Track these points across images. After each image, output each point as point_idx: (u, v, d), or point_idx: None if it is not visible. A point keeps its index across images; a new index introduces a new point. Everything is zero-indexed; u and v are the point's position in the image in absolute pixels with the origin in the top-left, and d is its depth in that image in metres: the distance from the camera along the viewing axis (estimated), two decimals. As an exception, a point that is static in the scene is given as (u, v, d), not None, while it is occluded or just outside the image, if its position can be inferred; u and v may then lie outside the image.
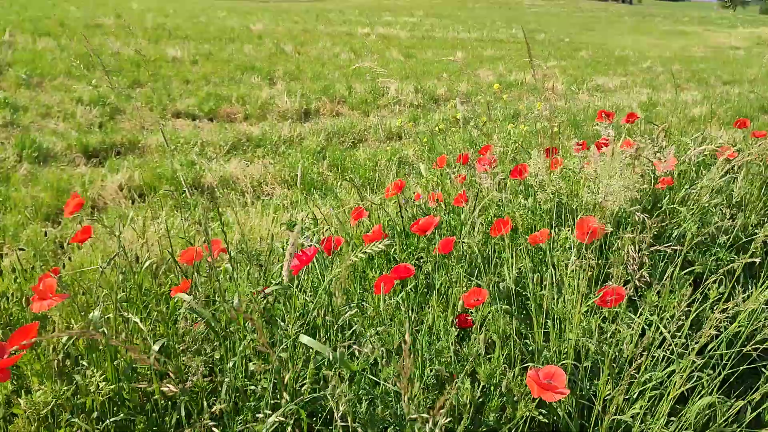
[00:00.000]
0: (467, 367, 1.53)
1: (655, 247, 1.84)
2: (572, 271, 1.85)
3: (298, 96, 9.65)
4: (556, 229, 2.22)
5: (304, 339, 1.35)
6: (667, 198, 2.66)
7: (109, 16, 16.69)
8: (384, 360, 1.47)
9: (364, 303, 1.76)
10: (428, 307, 1.79)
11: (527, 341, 1.80)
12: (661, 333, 1.78)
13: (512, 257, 2.03)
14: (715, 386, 1.59)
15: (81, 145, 6.28)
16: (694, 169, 2.87)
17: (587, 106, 11.46)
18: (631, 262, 1.80)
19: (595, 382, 1.64)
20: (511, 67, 16.18)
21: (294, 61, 13.05)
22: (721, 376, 1.58)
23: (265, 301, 1.64)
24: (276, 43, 15.11)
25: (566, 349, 1.76)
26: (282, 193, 5.60)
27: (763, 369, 1.60)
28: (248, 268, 1.93)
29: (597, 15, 56.96)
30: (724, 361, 1.65)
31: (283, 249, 2.04)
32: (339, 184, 6.10)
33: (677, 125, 10.39)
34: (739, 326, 1.65)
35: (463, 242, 2.04)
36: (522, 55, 19.46)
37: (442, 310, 1.70)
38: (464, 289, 1.92)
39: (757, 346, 1.65)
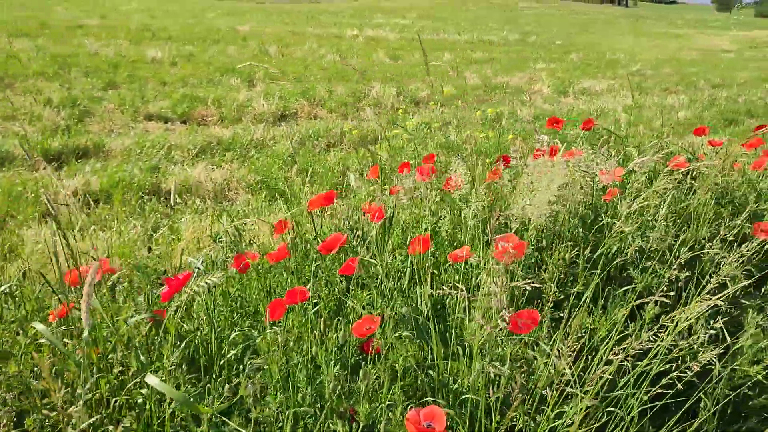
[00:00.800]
0: (348, 403, 1.39)
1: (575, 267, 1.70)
2: (484, 294, 1.71)
3: (276, 98, 9.51)
4: (482, 247, 2.08)
5: (151, 380, 1.20)
6: (609, 211, 2.52)
7: (94, 16, 16.52)
8: (252, 399, 1.32)
9: (254, 331, 1.62)
10: (331, 333, 1.65)
11: (431, 372, 1.65)
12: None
13: (427, 277, 1.89)
14: (624, 425, 1.45)
15: (42, 148, 6.12)
16: (644, 180, 2.73)
17: (571, 109, 11.34)
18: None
19: (497, 418, 1.50)
20: (498, 70, 16.05)
21: (277, 63, 12.90)
22: (631, 415, 1.44)
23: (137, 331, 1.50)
24: (261, 45, 14.96)
25: (478, 380, 1.62)
26: (245, 199, 5.46)
27: (674, 406, 1.47)
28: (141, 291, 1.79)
29: (591, 17, 56.95)
30: (638, 396, 1.50)
31: (195, 266, 1.90)
32: (306, 189, 5.96)
33: (660, 129, 10.29)
34: (648, 364, 1.51)
35: (371, 261, 1.90)
36: (511, 57, 19.37)
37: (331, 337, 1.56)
38: (378, 312, 1.79)
39: (678, 377, 1.50)
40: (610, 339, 1.61)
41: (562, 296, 2.14)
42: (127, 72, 10.19)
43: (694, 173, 3.12)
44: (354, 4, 65.96)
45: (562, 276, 2.12)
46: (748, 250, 2.08)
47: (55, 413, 1.24)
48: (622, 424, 1.45)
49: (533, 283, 1.43)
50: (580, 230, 2.37)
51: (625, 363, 1.43)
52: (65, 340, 1.47)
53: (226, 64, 11.92)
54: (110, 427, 1.27)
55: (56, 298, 1.81)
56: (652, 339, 1.48)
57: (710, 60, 26.39)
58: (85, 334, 1.21)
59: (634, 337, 1.49)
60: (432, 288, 1.94)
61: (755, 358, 1.96)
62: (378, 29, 24.13)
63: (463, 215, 2.25)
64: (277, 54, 14.10)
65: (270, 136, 7.48)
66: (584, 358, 1.69)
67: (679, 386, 1.44)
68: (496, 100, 12.09)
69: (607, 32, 39.48)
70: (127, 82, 9.56)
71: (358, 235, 2.25)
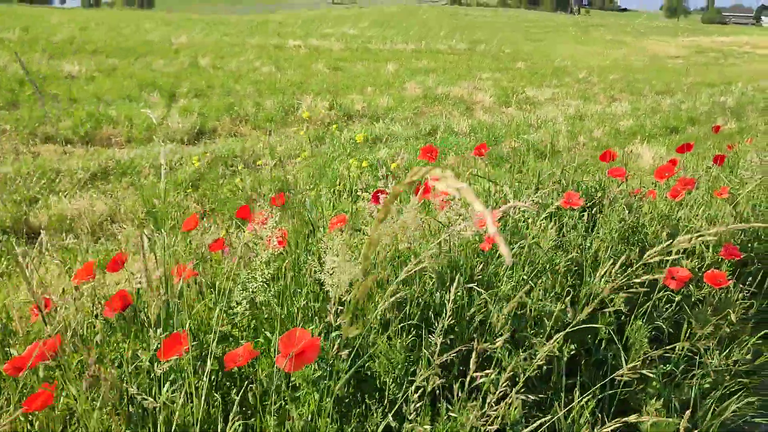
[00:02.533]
0: None
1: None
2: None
3: (195, 115, 8.88)
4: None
5: None
6: (481, 268, 2.01)
7: (14, 29, 15.58)
8: None
9: None
10: None
11: None
12: None
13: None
14: None
15: None
16: (523, 225, 2.24)
17: (511, 120, 10.97)
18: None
19: None
20: (442, 80, 15.66)
21: (206, 76, 12.24)
22: None
23: None
24: (193, 57, 14.27)
25: None
26: (127, 232, 4.83)
27: None
28: None
29: (543, 25, 57.48)
30: None
31: None
32: (207, 218, 5.37)
33: (600, 139, 9.98)
34: None
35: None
36: (457, 66, 19.06)
37: None
38: None
39: None
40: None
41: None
42: (32, 89, 9.43)
43: (602, 204, 2.65)
44: (309, 14, 65.47)
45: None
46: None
47: None
48: None
49: None
50: (437, 295, 1.86)
51: None
52: None
53: (149, 79, 11.22)
54: None
55: None
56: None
57: (657, 66, 26.63)
58: None
59: None
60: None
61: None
62: (323, 39, 23.60)
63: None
64: (208, 66, 13.44)
65: (177, 158, 6.85)
66: None
67: None
68: (435, 112, 11.66)
69: (557, 40, 39.75)
70: (29, 100, 8.80)
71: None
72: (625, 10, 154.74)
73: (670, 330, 2.19)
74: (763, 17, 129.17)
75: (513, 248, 2.09)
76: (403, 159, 7.76)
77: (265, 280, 1.51)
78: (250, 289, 1.50)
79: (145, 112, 8.80)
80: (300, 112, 9.99)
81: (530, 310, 1.90)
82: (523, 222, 2.26)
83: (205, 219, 5.27)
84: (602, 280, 2.20)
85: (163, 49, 15.50)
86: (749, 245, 3.03)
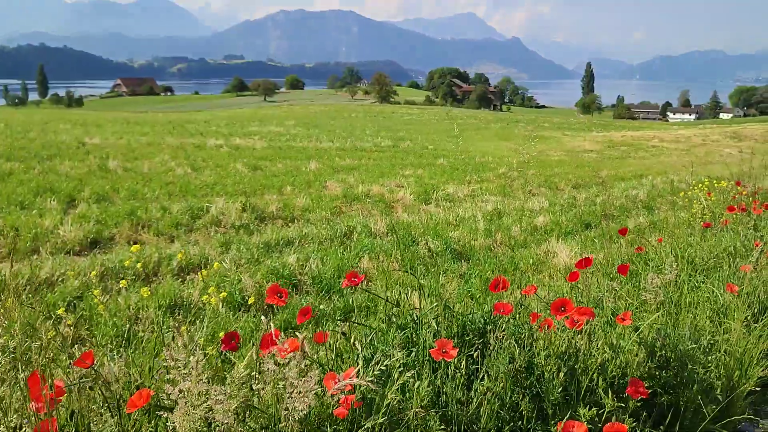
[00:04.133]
0: None
1: None
2: None
3: (92, 222, 8.29)
4: None
5: None
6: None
7: None
8: None
9: None
10: None
11: None
12: None
13: None
14: None
15: None
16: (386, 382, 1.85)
17: (429, 218, 10.84)
18: None
19: None
20: (364, 178, 15.62)
21: (113, 179, 11.69)
22: None
23: None
24: (103, 159, 13.73)
25: None
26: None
27: None
28: None
29: (466, 122, 59.94)
30: None
31: None
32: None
33: (517, 237, 9.92)
34: None
35: None
36: (379, 164, 19.18)
37: None
38: None
39: None
40: None
41: None
42: None
43: (491, 345, 2.31)
44: (237, 112, 66.13)
45: None
46: None
47: None
48: None
49: None
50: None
51: None
52: None
53: (47, 183, 10.58)
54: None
55: None
56: None
57: (574, 160, 27.72)
58: None
59: None
60: None
61: None
62: (247, 138, 23.52)
63: None
64: (118, 168, 12.90)
65: (59, 273, 6.22)
66: None
67: None
68: (354, 212, 11.44)
69: (479, 136, 41.29)
70: None
71: None
72: (543, 107, 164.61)
73: None
74: (668, 113, 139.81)
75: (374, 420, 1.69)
76: (315, 264, 7.38)
77: None
78: None
79: (41, 221, 8.18)
80: (209, 215, 9.54)
81: None
82: (387, 378, 1.87)
83: (75, 347, 4.65)
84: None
85: (72, 151, 14.89)
86: (657, 374, 2.76)
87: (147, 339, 3.59)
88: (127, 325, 4.92)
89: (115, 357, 2.30)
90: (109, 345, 4.72)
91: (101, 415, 1.74)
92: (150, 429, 1.58)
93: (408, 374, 1.86)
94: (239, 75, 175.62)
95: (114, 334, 4.88)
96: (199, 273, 6.90)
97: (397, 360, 1.93)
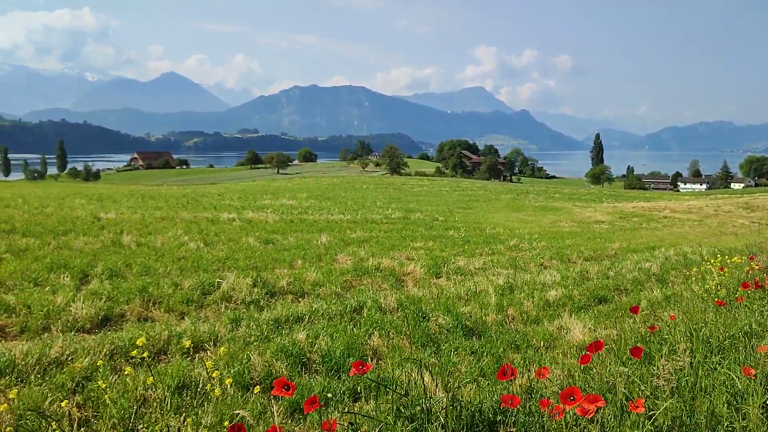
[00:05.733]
0: None
1: None
2: None
3: (103, 299, 8.33)
4: None
5: None
6: None
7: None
8: None
9: None
10: None
11: None
12: None
13: None
14: None
15: None
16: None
17: (440, 293, 10.79)
18: None
19: None
20: (374, 251, 15.66)
21: (126, 255, 11.80)
22: None
23: None
24: (117, 234, 13.90)
25: None
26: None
27: None
28: None
29: (476, 193, 60.42)
30: None
31: None
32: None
33: (530, 312, 9.82)
34: None
35: None
36: (390, 237, 19.25)
37: None
38: None
39: None
40: None
41: None
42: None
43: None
44: (251, 184, 67.18)
45: None
46: None
47: None
48: None
49: None
50: None
51: None
52: None
53: (62, 259, 10.69)
54: None
55: None
56: None
57: (586, 232, 27.69)
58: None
59: None
60: None
61: None
62: (260, 211, 23.80)
63: None
64: (131, 243, 13.03)
65: (67, 352, 6.20)
66: None
67: None
68: (364, 286, 11.42)
69: (489, 207, 41.51)
70: None
71: None
72: (553, 177, 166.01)
73: None
74: (679, 183, 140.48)
75: None
76: (324, 342, 7.31)
77: None
78: None
79: (53, 298, 8.23)
80: (220, 291, 9.55)
81: None
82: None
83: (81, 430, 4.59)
84: None
85: (87, 226, 15.11)
86: (675, 465, 2.67)
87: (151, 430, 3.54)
88: (134, 408, 4.86)
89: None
90: (114, 430, 4.66)
91: None
92: None
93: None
94: (253, 148, 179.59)
95: (121, 416, 4.82)
96: (206, 353, 6.86)
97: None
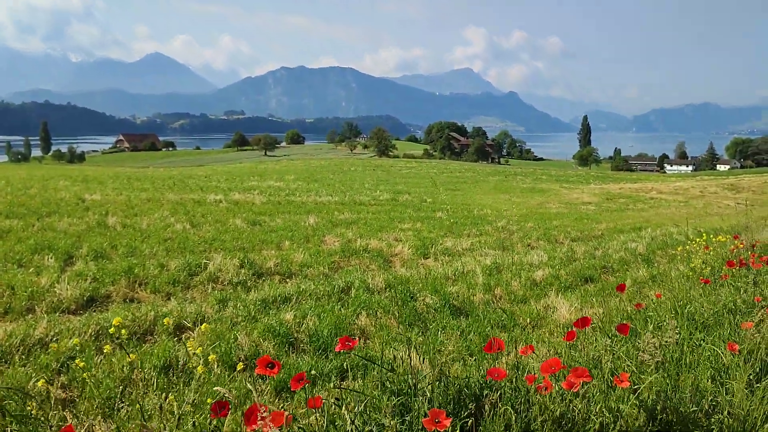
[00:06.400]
0: None
1: None
2: None
3: (88, 280, 8.25)
4: None
5: None
6: None
7: None
8: None
9: None
10: None
11: None
12: None
13: None
14: None
15: None
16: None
17: (428, 273, 10.79)
18: None
19: None
20: (362, 232, 15.63)
21: (112, 236, 11.69)
22: None
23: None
24: (102, 215, 13.76)
25: None
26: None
27: None
28: None
29: (464, 175, 60.41)
30: None
31: None
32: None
33: (517, 291, 9.86)
34: None
35: None
36: (378, 218, 19.22)
37: None
38: None
39: None
40: None
41: None
42: None
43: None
44: (238, 166, 66.75)
45: None
46: None
47: None
48: None
49: None
50: None
51: None
52: None
53: (46, 241, 10.57)
54: None
55: None
56: None
57: (573, 213, 27.78)
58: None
59: None
60: None
61: None
62: (247, 193, 23.65)
63: None
64: (117, 225, 12.91)
65: (51, 333, 6.15)
66: None
67: None
68: (352, 266, 11.40)
69: (478, 188, 41.52)
70: None
71: None
72: (541, 159, 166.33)
73: None
74: (665, 165, 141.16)
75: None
76: (312, 321, 7.30)
77: None
78: None
79: (37, 279, 8.14)
80: (207, 272, 9.50)
81: None
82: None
83: (66, 411, 4.55)
84: None
85: (71, 207, 14.95)
86: (659, 439, 2.69)
87: (135, 408, 3.52)
88: (119, 388, 4.83)
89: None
90: (99, 409, 4.63)
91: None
92: None
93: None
94: (240, 130, 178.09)
95: (107, 395, 4.79)
96: (192, 333, 6.82)
97: (389, 428, 1.88)
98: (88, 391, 4.90)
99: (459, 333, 7.23)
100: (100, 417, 4.33)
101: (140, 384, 5.04)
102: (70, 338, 6.03)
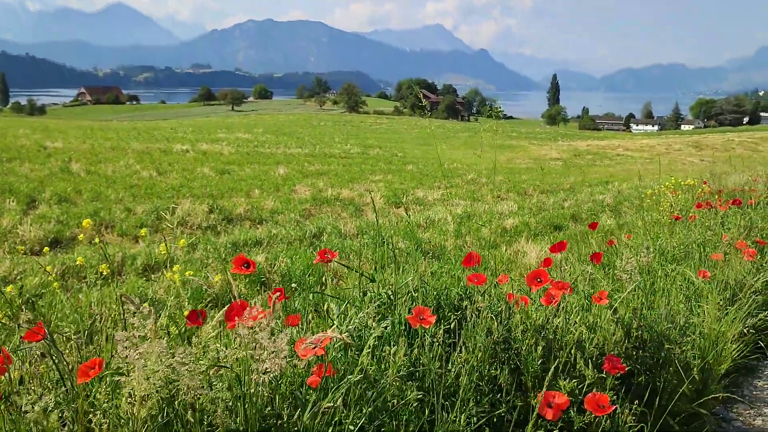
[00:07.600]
0: None
1: None
2: None
3: (52, 222, 8.05)
4: None
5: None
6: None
7: None
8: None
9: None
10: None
11: None
12: None
13: None
14: None
15: None
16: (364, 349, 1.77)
17: (400, 220, 10.79)
18: None
19: None
20: (333, 182, 15.52)
21: (76, 181, 11.39)
22: None
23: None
24: (65, 162, 13.39)
25: None
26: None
27: None
28: None
29: (434, 131, 60.20)
30: None
31: None
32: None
33: (487, 237, 9.92)
34: None
35: None
36: (349, 170, 19.09)
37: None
38: None
39: None
40: None
41: None
42: None
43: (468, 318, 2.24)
44: (205, 120, 65.42)
45: None
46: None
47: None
48: None
49: None
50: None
51: None
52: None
53: (5, 185, 10.26)
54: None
55: None
56: None
57: (540, 168, 27.99)
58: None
59: None
60: None
61: None
62: (215, 144, 23.22)
63: None
64: (81, 171, 12.58)
65: (17, 271, 5.99)
66: None
67: None
68: (323, 214, 11.33)
69: (448, 144, 41.51)
70: None
71: None
72: (510, 117, 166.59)
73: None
74: (632, 124, 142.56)
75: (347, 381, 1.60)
76: (284, 263, 7.25)
77: None
78: None
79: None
80: (175, 216, 9.34)
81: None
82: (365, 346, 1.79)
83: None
84: (462, 416, 1.74)
85: (32, 154, 14.50)
86: (634, 354, 2.72)
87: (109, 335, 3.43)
88: (90, 320, 4.74)
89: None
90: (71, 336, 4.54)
91: (55, 383, 1.62)
92: (106, 392, 1.46)
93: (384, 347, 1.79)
94: (207, 84, 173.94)
95: (76, 329, 4.69)
96: (164, 274, 6.72)
97: (372, 326, 1.85)
98: (56, 328, 4.80)
99: (431, 274, 7.26)
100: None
101: (109, 321, 4.95)
102: (35, 277, 5.89)
